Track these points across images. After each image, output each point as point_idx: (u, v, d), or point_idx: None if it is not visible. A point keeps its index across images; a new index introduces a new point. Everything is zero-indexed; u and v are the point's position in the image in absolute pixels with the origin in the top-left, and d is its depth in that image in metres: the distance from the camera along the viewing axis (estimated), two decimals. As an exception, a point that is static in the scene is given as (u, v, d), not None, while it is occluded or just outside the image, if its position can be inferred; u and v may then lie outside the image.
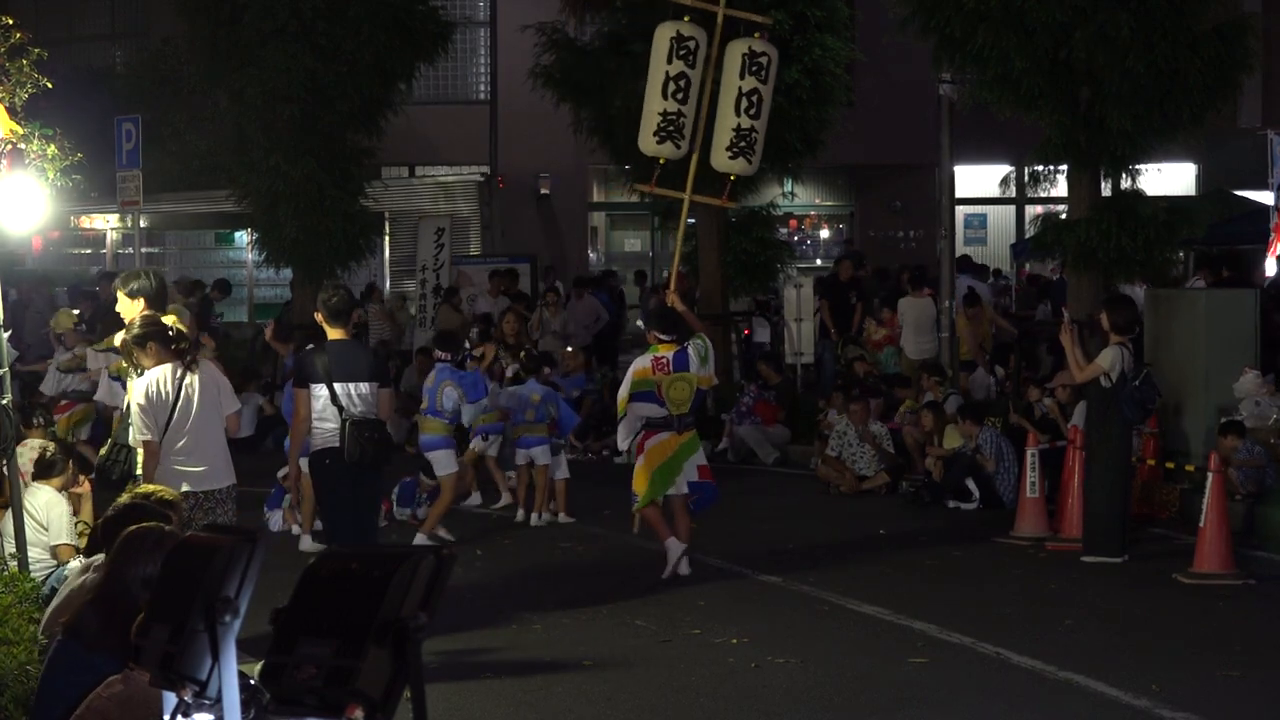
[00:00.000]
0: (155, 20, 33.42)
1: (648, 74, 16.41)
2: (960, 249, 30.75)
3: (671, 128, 16.26)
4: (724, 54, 16.43)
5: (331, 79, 24.70)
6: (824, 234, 37.01)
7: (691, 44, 16.26)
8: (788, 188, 32.93)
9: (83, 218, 31.94)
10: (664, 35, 16.32)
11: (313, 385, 12.20)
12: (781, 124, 23.83)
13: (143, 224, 27.11)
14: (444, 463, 16.23)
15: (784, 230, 32.86)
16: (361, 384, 12.21)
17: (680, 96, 16.24)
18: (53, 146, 12.06)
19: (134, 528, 6.83)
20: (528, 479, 17.60)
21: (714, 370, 14.97)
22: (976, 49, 18.72)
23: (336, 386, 12.10)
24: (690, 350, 14.51)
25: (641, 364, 14.63)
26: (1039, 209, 31.20)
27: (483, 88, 36.05)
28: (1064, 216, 20.25)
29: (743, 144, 16.51)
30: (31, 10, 30.98)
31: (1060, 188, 20.44)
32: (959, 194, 30.28)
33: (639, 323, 25.16)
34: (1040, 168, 20.05)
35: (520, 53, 27.42)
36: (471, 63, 36.14)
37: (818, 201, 36.90)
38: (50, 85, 12.48)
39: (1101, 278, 19.72)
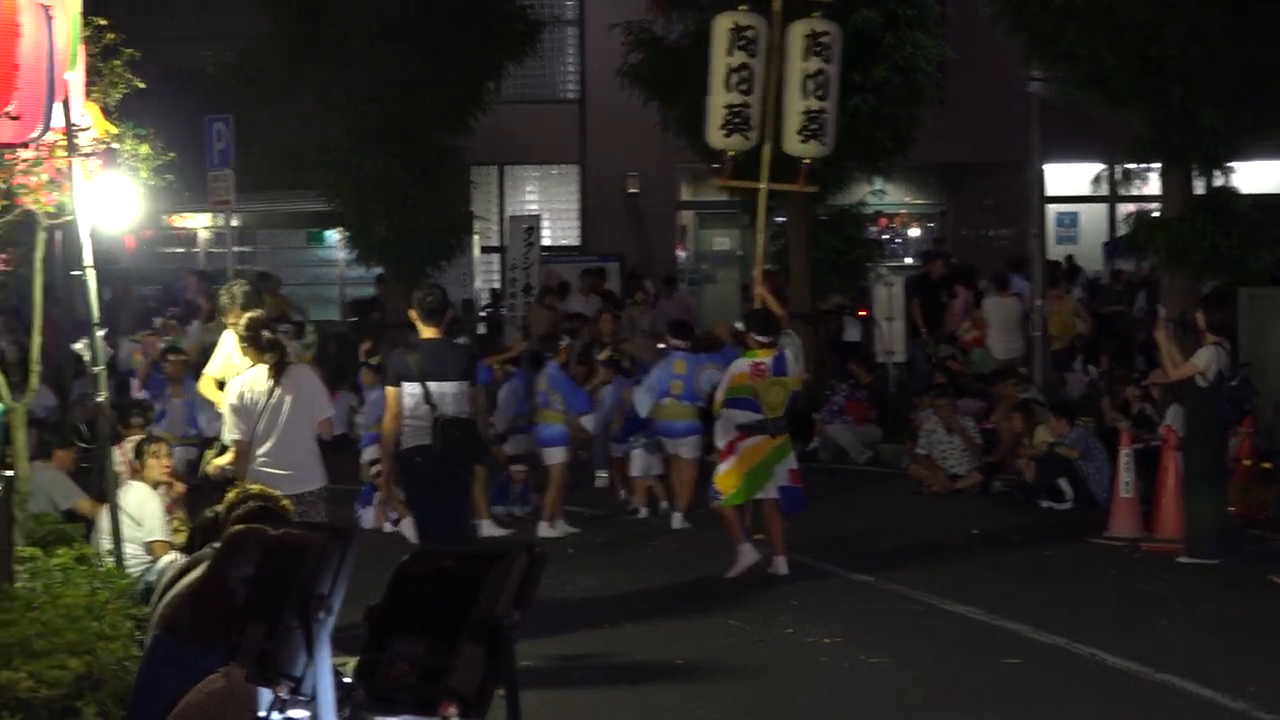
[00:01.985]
0: (243, 20, 33.60)
1: (709, 68, 16.39)
2: (1052, 248, 30.55)
3: (738, 119, 16.24)
4: (786, 38, 16.37)
5: (418, 78, 24.75)
6: (914, 232, 36.82)
7: (750, 33, 16.22)
8: (877, 186, 32.83)
9: (175, 217, 32.14)
10: (722, 27, 16.31)
11: (405, 383, 12.19)
12: (872, 122, 23.78)
13: (234, 223, 27.27)
14: (555, 454, 16.97)
15: (874, 229, 32.72)
16: (453, 383, 12.20)
17: (744, 87, 16.21)
18: (145, 146, 12.14)
19: (241, 527, 6.87)
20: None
21: (801, 368, 14.92)
22: (1067, 46, 18.58)
23: (430, 385, 12.11)
24: (788, 353, 14.47)
25: (739, 369, 14.55)
26: (1131, 207, 30.98)
27: (571, 86, 36.06)
28: (1156, 215, 20.07)
29: (813, 126, 16.45)
30: (123, 12, 31.13)
31: (1153, 186, 20.28)
32: (1050, 192, 30.04)
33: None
34: (1132, 166, 19.90)
35: (608, 51, 27.41)
36: (560, 61, 36.14)
37: (908, 200, 36.72)
38: (143, 85, 12.57)
39: (1195, 276, 19.55)
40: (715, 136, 16.47)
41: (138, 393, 21.37)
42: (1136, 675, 10.96)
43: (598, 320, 22.05)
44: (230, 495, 8.51)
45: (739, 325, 16.12)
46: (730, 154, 16.59)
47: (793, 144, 16.53)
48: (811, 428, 22.16)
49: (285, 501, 8.37)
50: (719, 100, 16.34)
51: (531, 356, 24.05)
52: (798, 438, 19.30)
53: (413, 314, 12.54)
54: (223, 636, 6.52)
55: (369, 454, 18.02)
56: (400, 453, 12.31)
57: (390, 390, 12.30)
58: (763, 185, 16.51)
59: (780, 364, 14.40)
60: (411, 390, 12.14)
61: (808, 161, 16.92)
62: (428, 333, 12.41)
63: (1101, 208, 35.85)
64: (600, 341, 19.77)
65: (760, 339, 14.56)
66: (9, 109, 9.36)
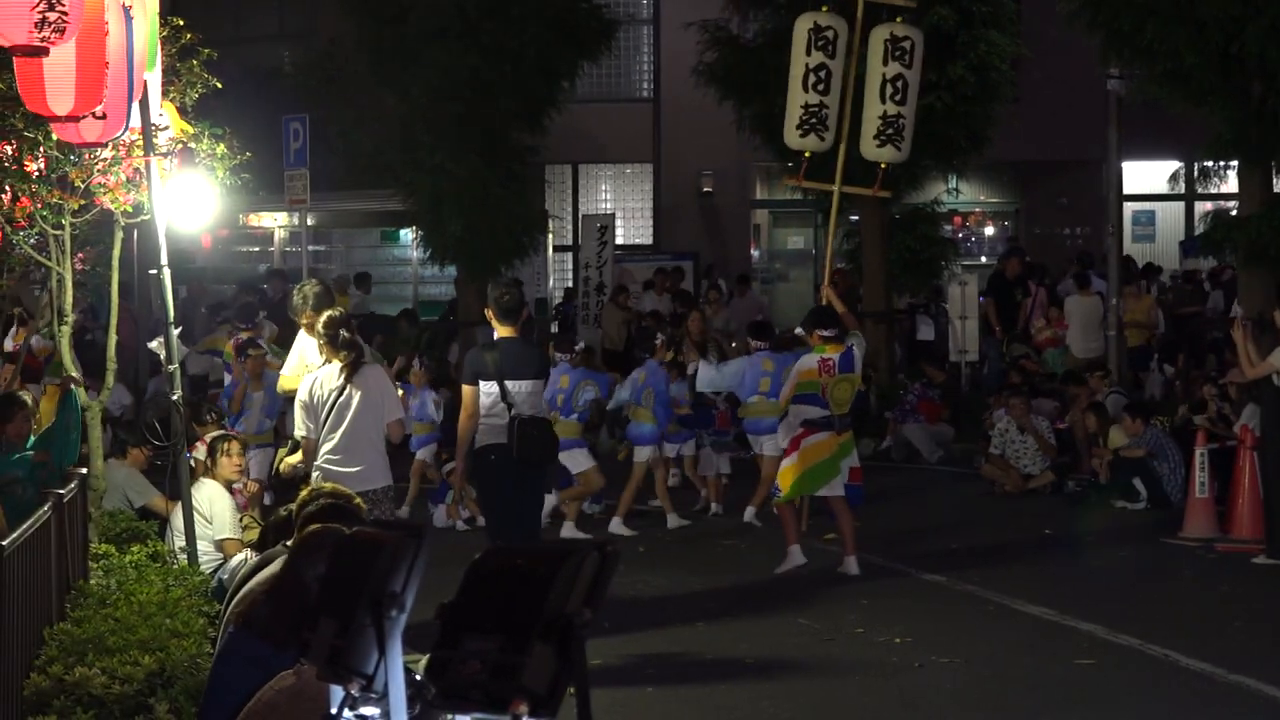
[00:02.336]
0: (322, 20, 33.74)
1: (789, 67, 16.40)
2: (1128, 246, 30.36)
3: (814, 120, 16.23)
4: (866, 41, 16.36)
5: (495, 77, 24.82)
6: (989, 231, 36.69)
7: (830, 34, 16.21)
8: (952, 184, 32.73)
9: (251, 216, 32.32)
10: (802, 27, 16.31)
11: (482, 382, 12.16)
12: (946, 120, 23.70)
13: (310, 222, 27.40)
14: (643, 452, 17.18)
15: (948, 227, 32.61)
16: (529, 381, 12.20)
17: (821, 88, 16.21)
18: (222, 146, 12.23)
19: (317, 526, 6.90)
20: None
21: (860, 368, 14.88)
22: (1145, 43, 18.44)
23: (508, 384, 12.09)
24: (855, 350, 14.45)
25: (807, 364, 14.53)
26: (1209, 205, 30.80)
27: (646, 85, 36.08)
28: (1234, 213, 19.92)
29: (890, 131, 16.43)
30: (200, 12, 31.38)
31: (1231, 184, 20.14)
32: (1127, 190, 29.85)
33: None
34: (1210, 163, 19.77)
35: (683, 50, 27.44)
36: (635, 60, 36.17)
37: (983, 198, 36.58)
38: (219, 85, 12.67)
39: (1273, 274, 19.39)
40: (791, 136, 16.47)
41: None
42: (1210, 677, 10.88)
43: (686, 319, 22.09)
44: (302, 493, 8.54)
45: (797, 330, 16.14)
46: (806, 154, 16.58)
47: (869, 148, 16.54)
48: (884, 427, 22.12)
49: (357, 499, 8.41)
50: (796, 100, 16.33)
51: (605, 355, 24.16)
52: (869, 436, 19.39)
53: (489, 312, 12.55)
54: (296, 635, 6.58)
55: (423, 454, 18.14)
56: (475, 451, 12.29)
57: (467, 388, 12.26)
58: (836, 188, 16.49)
59: (848, 360, 14.39)
60: (488, 389, 12.12)
61: (884, 166, 16.93)
62: (504, 331, 12.41)
63: (1178, 206, 35.64)
64: (692, 340, 19.75)
65: (825, 334, 14.53)
66: (97, 108, 9.43)
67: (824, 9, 16.35)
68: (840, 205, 17.23)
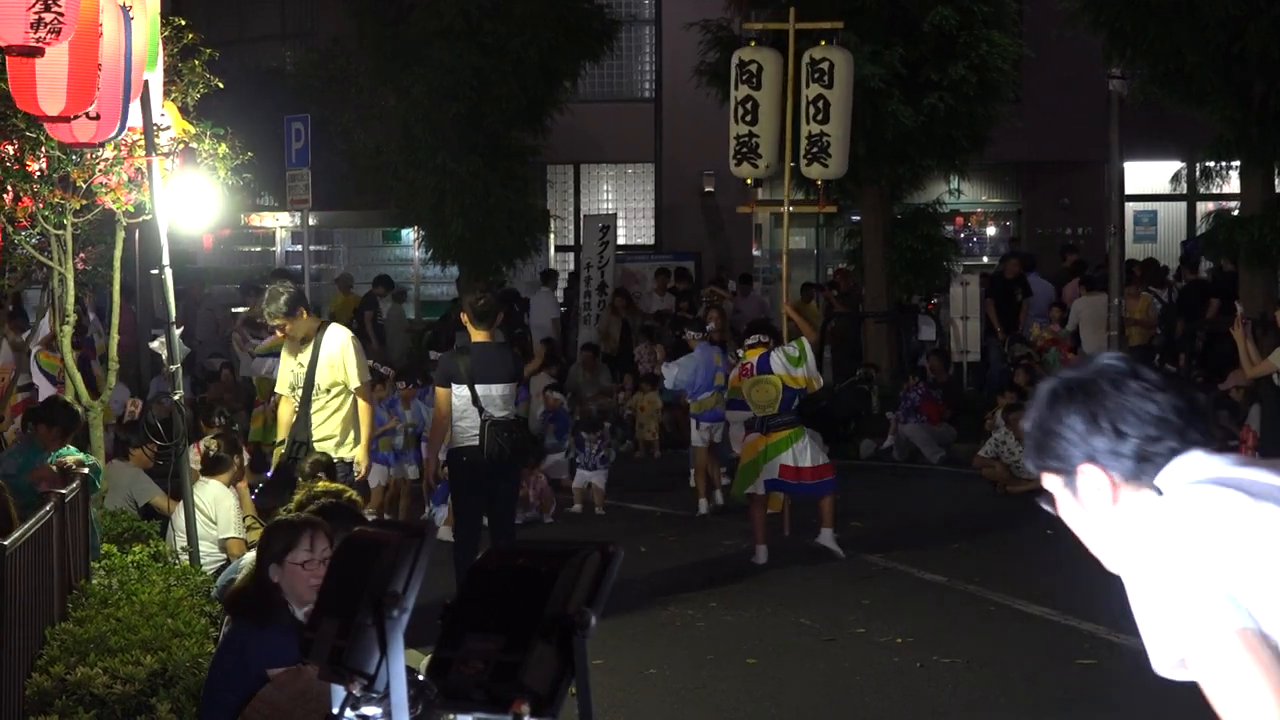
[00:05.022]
0: (324, 20, 33.78)
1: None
2: (1130, 247, 30.36)
3: (745, 149, 17.68)
4: (799, 68, 17.45)
5: (497, 77, 24.84)
6: (990, 231, 36.68)
7: (754, 67, 17.56)
8: (954, 184, 32.73)
9: (253, 216, 32.35)
10: (733, 63, 17.80)
11: (455, 385, 12.49)
12: (948, 121, 23.72)
13: (311, 222, 27.42)
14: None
15: (950, 227, 32.63)
16: (500, 385, 12.50)
17: (749, 119, 17.85)
18: (224, 146, 12.24)
19: (285, 516, 6.96)
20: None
21: (814, 373, 15.12)
22: (1147, 43, 18.49)
23: (478, 388, 12.37)
24: (774, 354, 14.83)
25: (735, 372, 15.45)
26: (1210, 206, 30.79)
27: (648, 85, 36.08)
28: (1236, 213, 19.94)
29: (815, 149, 18.12)
30: (202, 12, 31.39)
31: (1232, 184, 20.15)
32: (1128, 191, 29.82)
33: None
34: (1212, 164, 19.78)
35: (685, 50, 27.44)
36: (636, 61, 36.16)
37: (984, 198, 36.57)
38: (221, 85, 12.69)
39: (1275, 274, 19.42)
40: (732, 165, 17.86)
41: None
42: (1212, 677, 10.87)
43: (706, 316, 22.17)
44: (298, 494, 8.58)
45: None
46: (749, 181, 17.69)
47: (803, 166, 17.88)
48: (885, 426, 22.10)
49: (349, 494, 8.46)
50: (731, 131, 17.73)
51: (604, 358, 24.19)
52: (866, 436, 19.55)
53: (464, 317, 12.91)
54: (282, 615, 6.67)
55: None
56: (448, 452, 12.69)
57: (440, 391, 12.71)
58: (785, 209, 17.51)
59: (764, 363, 14.89)
60: (460, 392, 12.45)
61: (820, 183, 18.42)
62: (478, 336, 12.73)
63: (1180, 206, 35.63)
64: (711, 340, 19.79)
65: (750, 341, 15.28)
66: (89, 109, 9.43)
67: (751, 44, 17.61)
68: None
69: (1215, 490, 3.44)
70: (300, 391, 12.40)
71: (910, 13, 23.19)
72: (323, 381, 12.37)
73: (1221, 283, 26.53)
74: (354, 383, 12.40)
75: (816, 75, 17.34)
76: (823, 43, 17.44)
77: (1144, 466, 3.58)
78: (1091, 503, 3.66)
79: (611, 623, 11.68)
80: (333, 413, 12.44)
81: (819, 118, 17.38)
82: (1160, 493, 3.54)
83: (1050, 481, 3.74)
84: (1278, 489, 3.46)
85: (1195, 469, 3.54)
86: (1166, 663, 3.74)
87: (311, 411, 12.43)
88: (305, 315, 12.54)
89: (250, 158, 12.63)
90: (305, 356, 12.40)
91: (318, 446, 12.30)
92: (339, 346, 12.44)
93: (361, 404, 12.51)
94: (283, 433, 12.64)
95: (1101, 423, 3.59)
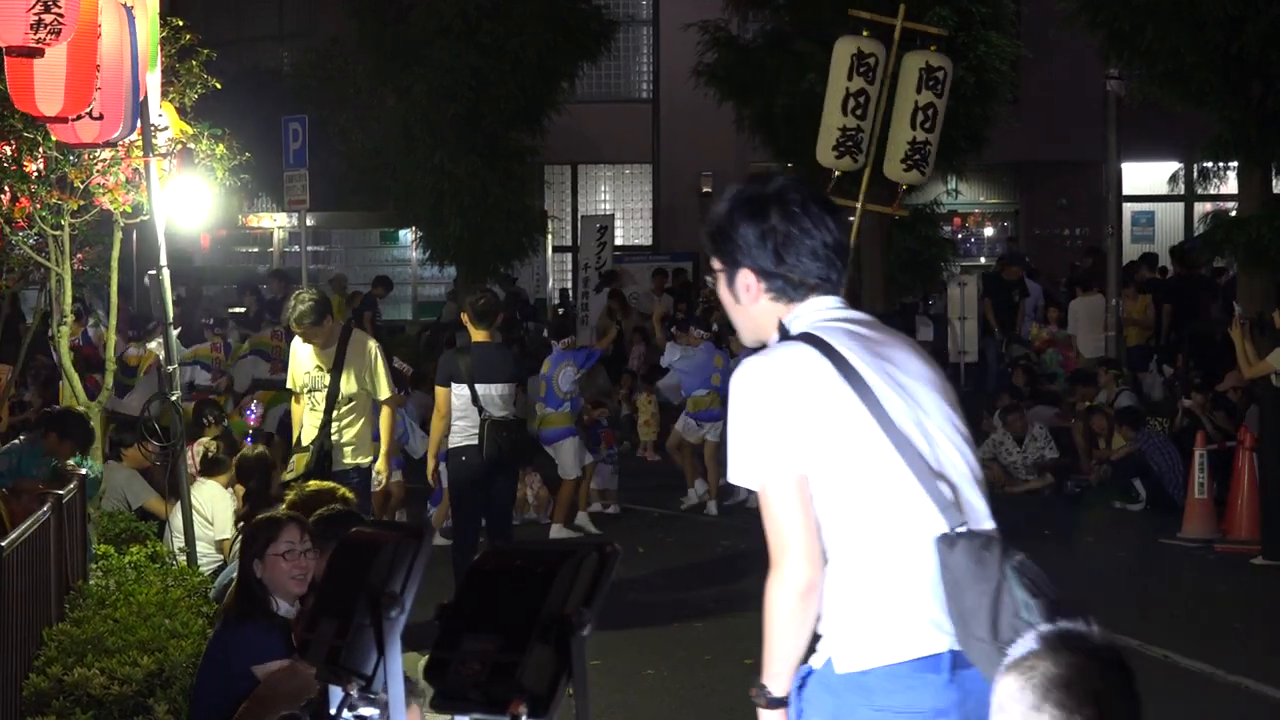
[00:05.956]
0: (322, 20, 33.77)
1: (827, 87, 16.83)
2: (1127, 247, 30.39)
3: (850, 143, 16.82)
4: (899, 67, 16.76)
5: (495, 77, 24.84)
6: (988, 232, 36.69)
7: (871, 60, 16.85)
8: (951, 185, 32.73)
9: (250, 216, 32.33)
10: (845, 51, 16.79)
11: (454, 385, 12.50)
12: (946, 121, 23.67)
13: (309, 222, 27.41)
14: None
15: (948, 228, 32.63)
16: (500, 385, 12.50)
17: (859, 113, 16.84)
18: (221, 146, 12.24)
19: (266, 515, 7.00)
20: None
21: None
22: (1145, 44, 18.44)
23: (478, 388, 12.38)
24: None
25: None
26: (1208, 206, 30.76)
27: (645, 86, 36.09)
28: (1234, 214, 19.92)
29: (917, 156, 17.14)
30: (200, 12, 31.41)
31: (1230, 184, 20.12)
32: (1126, 191, 29.88)
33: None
34: (1210, 164, 19.76)
35: (683, 51, 27.43)
36: (634, 61, 36.18)
37: (982, 199, 36.58)
38: (219, 86, 12.68)
39: (1273, 275, 19.38)
40: (826, 156, 17.06)
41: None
42: (1209, 677, 10.89)
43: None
44: (290, 495, 8.59)
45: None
46: (836, 173, 17.02)
47: (895, 170, 17.22)
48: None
49: (343, 491, 8.48)
50: (833, 121, 16.89)
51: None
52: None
53: (464, 317, 12.88)
54: (263, 611, 6.69)
55: None
56: (448, 452, 12.71)
57: (440, 391, 12.71)
58: (859, 206, 16.94)
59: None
60: (460, 392, 12.47)
61: (904, 188, 17.72)
62: (478, 335, 12.71)
63: (1178, 206, 35.64)
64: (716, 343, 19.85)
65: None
66: (90, 109, 9.42)
67: (865, 34, 16.70)
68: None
69: (799, 349, 4.41)
70: (316, 395, 12.18)
71: (909, 13, 23.14)
72: (347, 390, 12.14)
73: (1212, 280, 26.59)
74: (383, 394, 12.13)
75: (931, 83, 16.97)
76: (932, 48, 17.15)
77: (787, 290, 4.54)
78: (741, 297, 4.62)
79: (609, 623, 11.67)
80: (353, 420, 12.23)
81: (927, 125, 17.04)
82: (788, 329, 4.52)
83: (716, 265, 4.65)
84: (872, 341, 4.47)
85: (816, 312, 4.53)
86: (733, 476, 4.59)
87: (333, 419, 12.21)
88: (329, 321, 12.35)
89: (248, 158, 12.62)
90: (326, 360, 12.14)
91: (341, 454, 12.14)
92: (369, 357, 12.19)
93: (385, 413, 12.22)
94: (298, 430, 12.48)
95: (768, 243, 4.51)
